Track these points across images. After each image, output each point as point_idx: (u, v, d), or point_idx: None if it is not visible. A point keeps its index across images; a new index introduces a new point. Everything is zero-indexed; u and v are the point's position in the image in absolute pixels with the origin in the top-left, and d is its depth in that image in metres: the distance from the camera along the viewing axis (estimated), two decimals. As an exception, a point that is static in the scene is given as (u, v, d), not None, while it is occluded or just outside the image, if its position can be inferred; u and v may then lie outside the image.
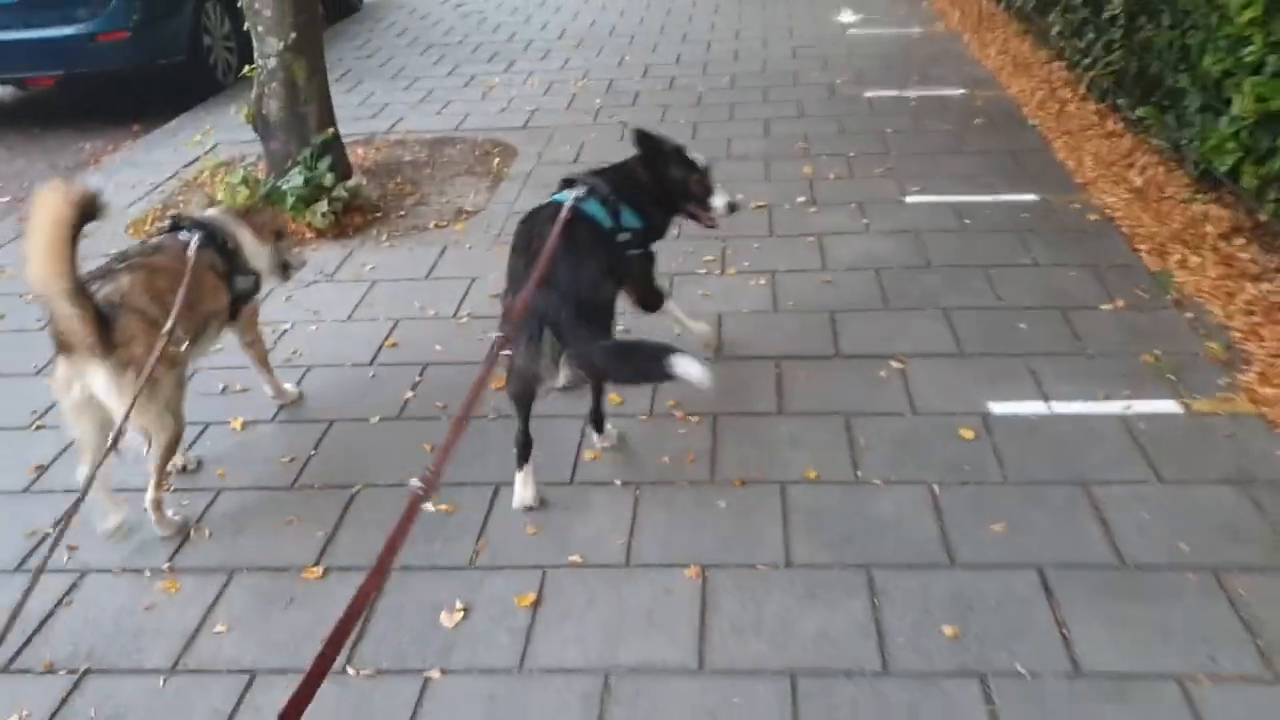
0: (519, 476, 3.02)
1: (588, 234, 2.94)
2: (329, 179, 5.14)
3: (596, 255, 2.93)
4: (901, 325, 3.94)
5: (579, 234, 2.89)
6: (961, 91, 6.80)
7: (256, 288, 3.25)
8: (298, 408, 3.64)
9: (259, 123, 5.38)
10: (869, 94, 6.86)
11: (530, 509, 3.01)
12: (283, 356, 3.93)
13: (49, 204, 2.47)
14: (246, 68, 5.53)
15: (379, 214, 5.31)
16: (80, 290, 2.52)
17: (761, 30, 8.88)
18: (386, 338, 4.07)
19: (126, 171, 6.27)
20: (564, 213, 2.89)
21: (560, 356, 2.82)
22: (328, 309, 4.34)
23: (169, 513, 2.95)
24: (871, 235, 4.74)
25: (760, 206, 5.13)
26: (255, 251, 3.24)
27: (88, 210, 2.55)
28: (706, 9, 9.80)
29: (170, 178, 6.04)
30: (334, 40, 9.41)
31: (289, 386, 3.63)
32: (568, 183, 3.11)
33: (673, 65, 7.93)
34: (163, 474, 2.89)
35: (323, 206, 4.99)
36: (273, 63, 5.22)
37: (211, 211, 3.27)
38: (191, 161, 6.32)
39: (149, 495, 2.88)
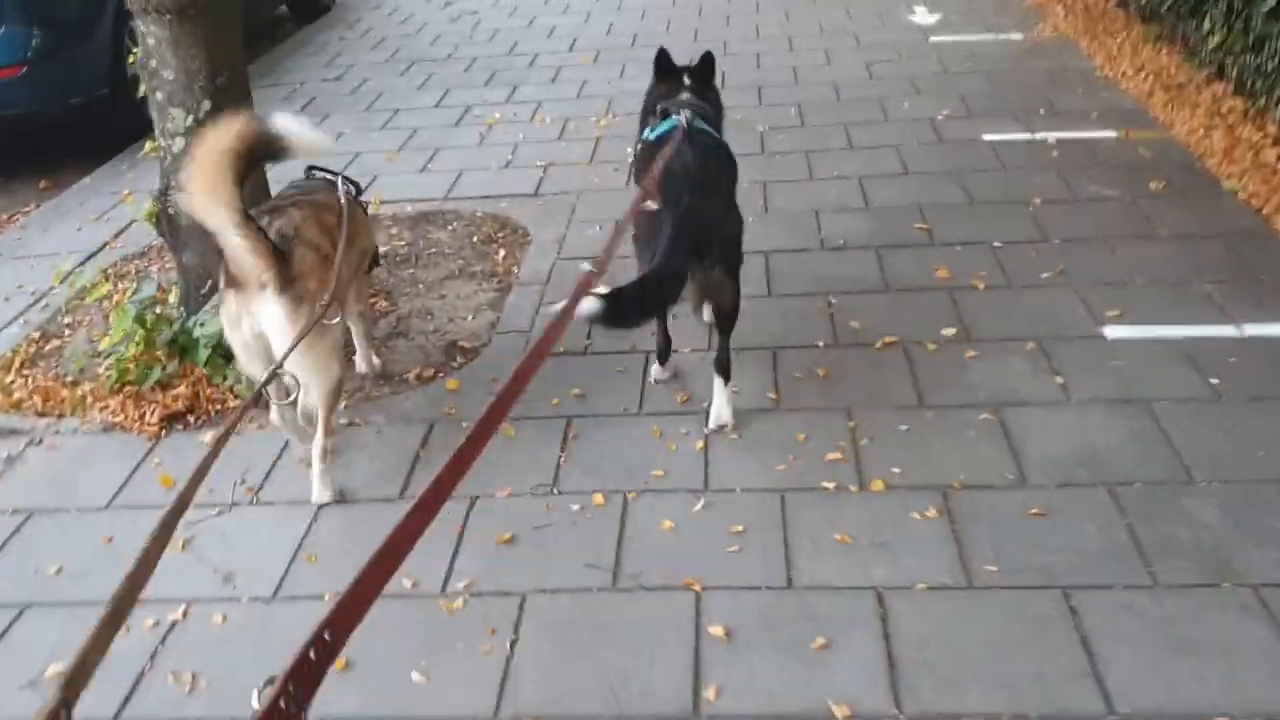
0: (655, 368, 3.34)
1: (711, 146, 2.99)
2: (262, 316, 3.53)
3: (728, 172, 3.07)
4: (1194, 627, 2.36)
5: (711, 150, 2.95)
6: (1111, 134, 5.15)
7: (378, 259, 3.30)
8: None
9: (165, 226, 3.76)
10: (988, 136, 5.22)
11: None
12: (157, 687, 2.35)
13: (216, 135, 2.40)
14: (148, 144, 3.91)
15: (337, 358, 3.70)
16: (249, 219, 2.44)
17: (820, 37, 7.20)
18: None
19: (3, 272, 4.66)
20: (680, 126, 2.89)
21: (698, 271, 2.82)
22: (247, 572, 2.76)
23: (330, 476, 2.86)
24: (1076, 408, 3.14)
25: (890, 343, 3.52)
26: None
27: (262, 148, 2.51)
28: (745, 8, 8.10)
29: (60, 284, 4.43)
30: (297, 53, 7.76)
31: (376, 361, 3.51)
32: (664, 113, 3.07)
33: (719, 90, 6.26)
34: (331, 422, 2.78)
35: (251, 365, 3.38)
36: (180, 144, 3.60)
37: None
38: (96, 252, 4.71)
39: (318, 442, 2.78)
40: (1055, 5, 7.42)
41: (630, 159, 4.36)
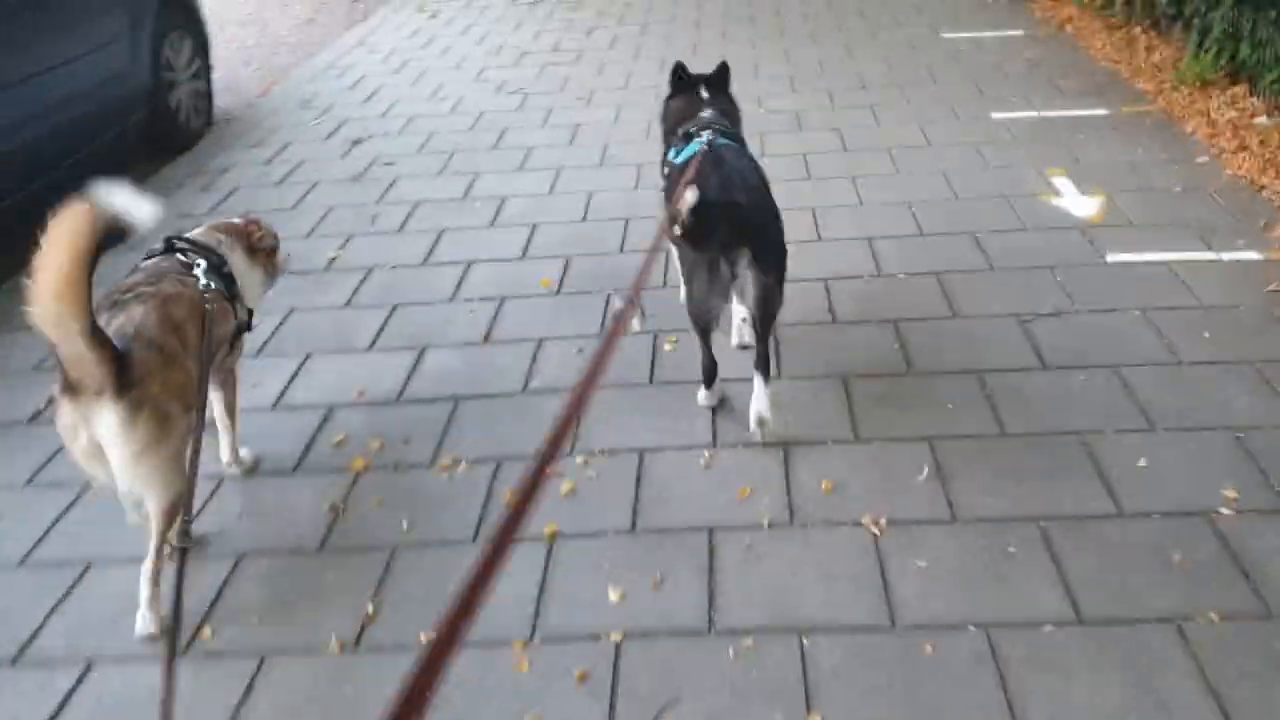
0: (702, 391, 3.33)
1: (738, 153, 3.14)
2: None
3: (751, 163, 3.16)
4: None
5: (731, 157, 3.05)
6: None
7: (249, 325, 2.99)
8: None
9: None
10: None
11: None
12: None
13: (67, 232, 2.14)
14: None
15: None
16: (97, 328, 2.24)
17: (920, 241, 4.50)
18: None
19: None
20: (702, 146, 3.05)
21: (733, 288, 2.92)
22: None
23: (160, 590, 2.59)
24: None
25: None
26: (247, 277, 2.99)
27: (109, 235, 2.27)
28: (792, 167, 5.40)
29: None
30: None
31: (245, 453, 3.23)
32: (686, 136, 3.20)
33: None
34: (164, 540, 2.53)
35: None
36: None
37: (199, 231, 2.97)
38: None
39: (147, 565, 2.57)
40: (1274, 178, 4.71)
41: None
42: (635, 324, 3.13)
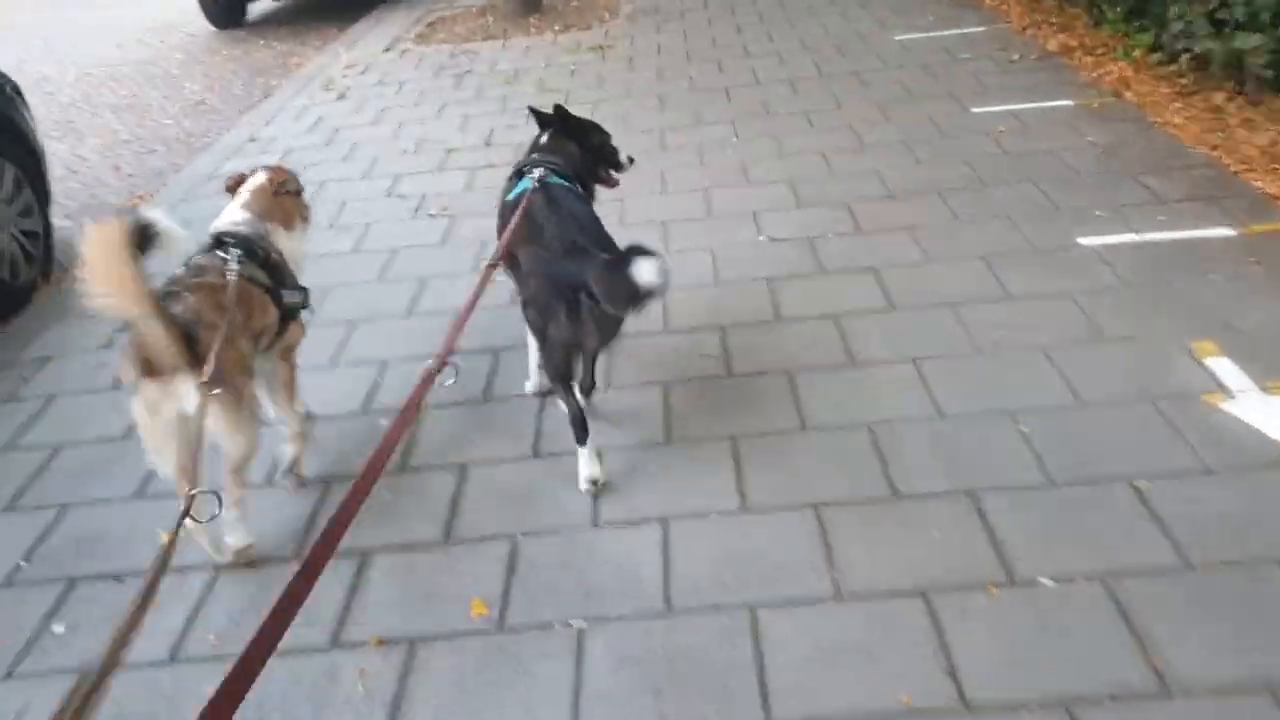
0: (583, 454, 3.10)
1: (573, 195, 3.20)
2: None
3: (587, 205, 3.25)
4: None
5: (563, 197, 3.11)
6: None
7: (305, 303, 3.18)
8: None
9: None
10: None
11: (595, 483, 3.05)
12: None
13: (102, 237, 2.40)
14: None
15: None
16: (164, 308, 2.52)
17: (1025, 453, 2.94)
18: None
19: None
20: (534, 185, 3.14)
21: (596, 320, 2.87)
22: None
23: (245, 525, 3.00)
24: None
25: None
26: (293, 243, 3.26)
27: (141, 240, 2.54)
28: (816, 334, 3.83)
29: None
30: None
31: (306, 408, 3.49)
32: (519, 174, 3.30)
33: None
34: (242, 475, 2.91)
35: None
36: None
37: (244, 218, 3.11)
38: None
39: (234, 494, 2.89)
40: None
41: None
42: (449, 381, 2.88)
